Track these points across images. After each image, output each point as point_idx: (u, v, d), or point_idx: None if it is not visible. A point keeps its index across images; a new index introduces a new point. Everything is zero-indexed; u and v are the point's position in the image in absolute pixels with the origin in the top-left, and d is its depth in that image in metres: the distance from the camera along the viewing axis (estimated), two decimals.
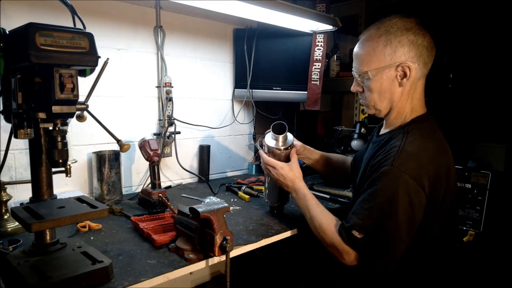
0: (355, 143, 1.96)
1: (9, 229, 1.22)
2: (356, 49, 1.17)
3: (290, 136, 1.42)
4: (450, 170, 1.07)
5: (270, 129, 1.40)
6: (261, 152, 1.40)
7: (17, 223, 1.23)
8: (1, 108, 1.01)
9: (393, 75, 1.09)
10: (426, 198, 1.00)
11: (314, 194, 1.35)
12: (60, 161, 0.94)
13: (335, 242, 1.09)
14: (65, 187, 1.59)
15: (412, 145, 1.03)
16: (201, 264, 1.06)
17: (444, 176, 1.04)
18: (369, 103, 1.17)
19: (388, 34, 1.08)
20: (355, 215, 1.06)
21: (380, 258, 1.03)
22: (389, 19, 1.11)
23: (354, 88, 1.20)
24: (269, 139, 1.40)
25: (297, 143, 1.45)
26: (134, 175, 1.83)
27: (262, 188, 1.71)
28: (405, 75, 1.08)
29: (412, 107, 1.14)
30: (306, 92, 2.04)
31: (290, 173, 1.30)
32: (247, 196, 1.69)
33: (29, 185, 1.00)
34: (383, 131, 1.22)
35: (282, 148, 1.36)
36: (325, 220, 1.16)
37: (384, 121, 1.23)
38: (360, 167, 1.26)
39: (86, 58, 0.91)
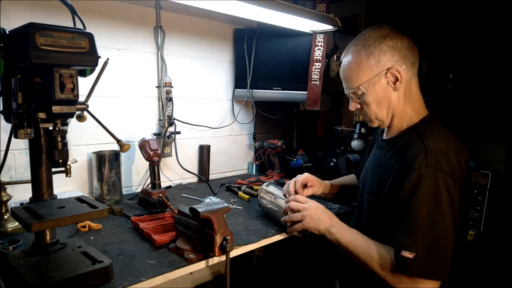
0: (355, 143, 1.96)
1: (9, 229, 1.22)
2: (341, 70, 1.19)
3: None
4: (468, 168, 1.06)
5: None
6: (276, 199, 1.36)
7: (17, 223, 1.23)
8: (1, 108, 1.01)
9: (385, 83, 1.11)
10: (459, 197, 0.98)
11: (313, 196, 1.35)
12: (60, 161, 0.93)
13: (399, 277, 0.98)
14: (65, 187, 1.59)
15: (437, 143, 1.01)
16: (201, 264, 1.06)
17: (466, 174, 1.03)
18: (370, 116, 1.17)
19: (367, 47, 1.10)
20: (399, 233, 0.98)
21: (437, 272, 0.94)
22: (363, 33, 1.14)
23: (352, 106, 1.20)
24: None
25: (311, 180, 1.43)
26: (134, 175, 1.83)
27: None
28: (396, 79, 1.10)
29: (413, 108, 1.14)
30: (306, 92, 2.04)
31: (326, 212, 1.20)
32: (247, 196, 1.69)
33: (29, 185, 1.00)
34: (388, 135, 1.20)
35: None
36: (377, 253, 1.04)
37: (388, 127, 1.21)
38: (371, 174, 1.22)
39: (86, 58, 0.91)
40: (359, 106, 1.18)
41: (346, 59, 1.17)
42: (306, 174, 1.42)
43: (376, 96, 1.12)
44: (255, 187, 1.79)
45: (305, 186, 1.41)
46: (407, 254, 0.94)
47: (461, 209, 1.00)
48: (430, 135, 1.05)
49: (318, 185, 1.42)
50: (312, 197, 1.54)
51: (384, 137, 1.23)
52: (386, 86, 1.11)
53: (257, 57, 2.12)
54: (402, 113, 1.14)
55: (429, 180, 0.96)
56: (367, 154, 1.44)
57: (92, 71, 1.02)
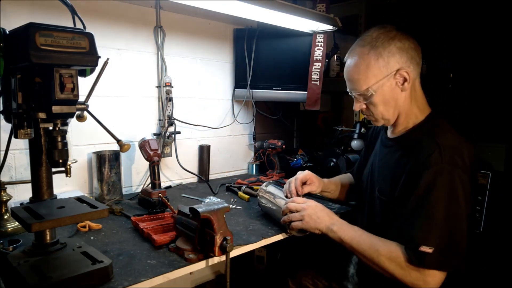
0: (355, 143, 1.96)
1: (9, 229, 1.22)
2: (347, 71, 1.18)
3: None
4: (474, 162, 1.08)
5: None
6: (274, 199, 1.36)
7: (17, 223, 1.23)
8: (1, 108, 1.01)
9: (393, 84, 1.12)
10: (470, 190, 1.01)
11: (314, 195, 1.34)
12: (60, 161, 0.93)
13: (408, 271, 1.00)
14: (65, 187, 1.59)
15: (449, 140, 1.04)
16: (201, 264, 1.06)
17: (472, 168, 1.06)
18: (376, 116, 1.18)
19: (375, 48, 1.11)
20: (417, 229, 1.00)
21: (454, 263, 0.98)
22: (369, 34, 1.14)
23: (357, 107, 1.20)
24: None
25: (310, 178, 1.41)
26: (134, 175, 1.83)
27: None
28: (405, 79, 1.11)
29: (418, 106, 1.17)
30: (306, 92, 2.04)
31: (324, 211, 1.20)
32: (247, 196, 1.69)
33: (29, 185, 1.00)
34: (394, 134, 1.21)
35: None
36: (384, 249, 1.05)
37: (394, 125, 1.21)
38: (380, 173, 1.22)
39: (86, 58, 0.91)
40: (364, 106, 1.19)
41: (351, 60, 1.16)
42: (306, 172, 1.42)
43: (384, 97, 1.13)
44: (255, 187, 1.79)
45: (304, 183, 1.41)
46: (426, 249, 0.96)
47: (471, 202, 1.03)
48: (439, 132, 1.07)
49: (317, 183, 1.43)
50: (311, 196, 1.54)
51: (390, 135, 1.23)
52: (394, 87, 1.12)
53: (257, 57, 2.12)
54: (408, 111, 1.16)
55: (446, 176, 0.99)
56: (366, 152, 1.44)
57: (92, 71, 1.02)
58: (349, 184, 1.56)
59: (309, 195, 1.44)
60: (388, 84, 1.12)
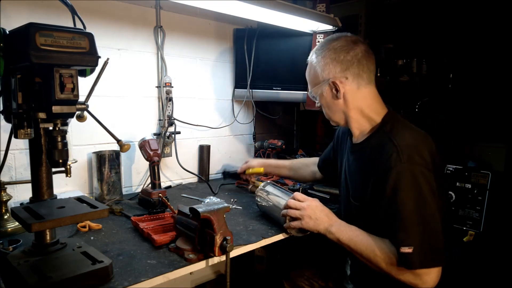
0: None
1: (9, 229, 1.22)
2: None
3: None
4: (435, 154, 1.09)
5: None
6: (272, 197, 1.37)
7: (17, 223, 1.23)
8: (1, 108, 1.01)
9: (329, 91, 1.19)
10: (435, 183, 1.02)
11: (313, 194, 1.33)
12: (60, 161, 0.93)
13: (403, 272, 1.01)
14: (65, 187, 1.59)
15: (404, 139, 1.05)
16: (201, 264, 1.06)
17: (435, 161, 1.07)
18: (326, 116, 1.28)
19: (317, 56, 1.20)
20: (393, 232, 1.01)
21: (436, 258, 0.99)
22: (324, 40, 1.23)
23: (317, 104, 1.30)
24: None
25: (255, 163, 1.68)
26: (134, 175, 1.83)
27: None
28: (337, 89, 1.17)
29: (372, 110, 1.18)
30: (306, 92, 2.04)
31: (325, 210, 1.21)
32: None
33: (29, 185, 1.00)
34: (357, 139, 1.23)
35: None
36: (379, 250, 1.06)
37: (351, 130, 1.24)
38: (351, 179, 1.23)
39: (86, 58, 0.91)
40: (318, 104, 1.28)
41: (308, 61, 1.26)
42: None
43: (326, 101, 1.22)
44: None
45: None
46: (406, 249, 0.97)
47: (439, 193, 1.03)
48: (396, 132, 1.09)
49: (255, 163, 1.73)
50: (311, 195, 1.54)
51: (354, 141, 1.25)
52: (330, 94, 1.19)
53: (257, 57, 2.12)
54: (356, 117, 1.20)
55: (407, 175, 1.00)
56: (334, 152, 1.48)
57: (92, 71, 1.02)
58: (304, 165, 1.70)
59: (309, 194, 1.45)
60: (325, 90, 1.19)
